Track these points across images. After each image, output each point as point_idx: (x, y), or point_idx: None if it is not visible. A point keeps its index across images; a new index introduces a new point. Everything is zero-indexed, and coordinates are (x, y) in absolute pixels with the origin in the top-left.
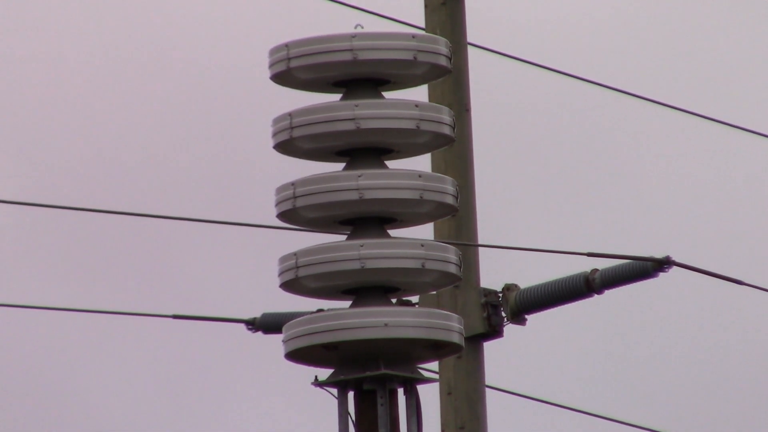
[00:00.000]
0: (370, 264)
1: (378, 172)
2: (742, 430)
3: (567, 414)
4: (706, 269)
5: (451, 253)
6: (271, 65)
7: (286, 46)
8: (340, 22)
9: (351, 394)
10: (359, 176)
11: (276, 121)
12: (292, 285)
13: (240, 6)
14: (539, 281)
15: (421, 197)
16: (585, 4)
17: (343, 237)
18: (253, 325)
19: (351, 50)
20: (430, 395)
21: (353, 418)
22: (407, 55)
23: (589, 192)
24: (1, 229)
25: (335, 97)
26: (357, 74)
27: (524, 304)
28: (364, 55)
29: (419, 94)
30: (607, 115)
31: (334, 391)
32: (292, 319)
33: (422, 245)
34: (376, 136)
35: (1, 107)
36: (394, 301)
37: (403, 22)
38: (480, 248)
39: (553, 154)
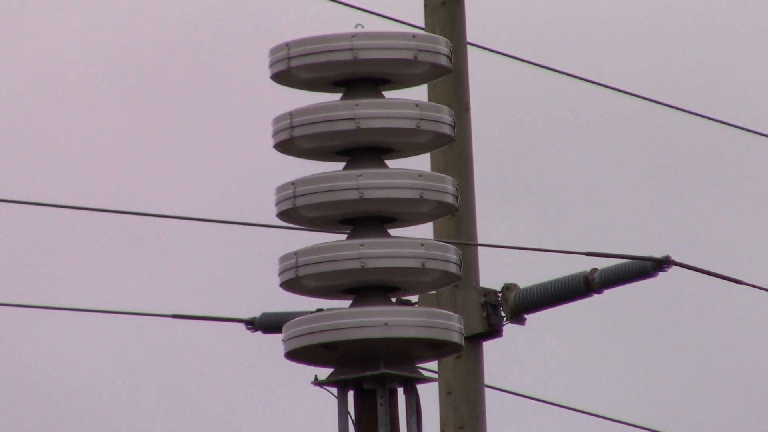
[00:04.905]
0: (370, 263)
1: (378, 172)
2: (742, 430)
3: (567, 414)
4: (706, 269)
5: (452, 253)
6: (271, 65)
7: (287, 45)
8: (340, 22)
9: (351, 394)
10: (359, 176)
11: (276, 120)
12: (292, 284)
13: (240, 6)
14: (539, 281)
15: (421, 197)
16: (585, 4)
17: (344, 236)
18: (253, 324)
19: (351, 50)
20: (429, 395)
21: (353, 417)
22: (407, 55)
23: (589, 192)
24: (1, 228)
25: (335, 97)
26: (357, 74)
27: (523, 303)
28: (364, 55)
29: (419, 93)
30: (606, 114)
31: (334, 390)
32: (291, 318)
33: (422, 245)
34: (376, 136)
35: (0, 106)
36: (394, 300)
37: (403, 21)
38: (480, 248)
39: (553, 154)
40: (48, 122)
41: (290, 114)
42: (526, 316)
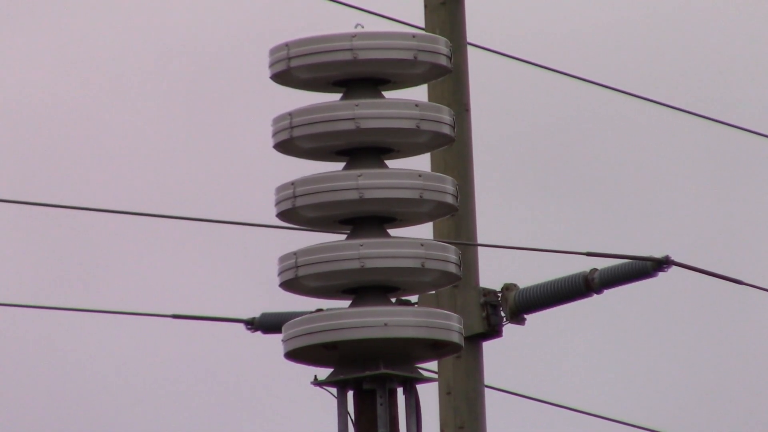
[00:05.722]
0: (370, 263)
1: (378, 172)
2: (742, 430)
3: (567, 414)
4: (706, 269)
5: (451, 253)
6: (271, 65)
7: (286, 45)
8: (340, 22)
9: (350, 394)
10: (359, 176)
11: (276, 120)
12: (291, 284)
13: (240, 6)
14: (538, 281)
15: (421, 197)
16: (585, 4)
17: (343, 236)
18: (253, 324)
19: (351, 50)
20: (429, 395)
21: (353, 417)
22: (407, 55)
23: (589, 192)
24: (1, 228)
25: (335, 97)
26: (357, 74)
27: (523, 303)
28: (364, 55)
29: (419, 93)
30: (607, 115)
31: (334, 390)
32: (291, 318)
33: (422, 245)
34: (376, 136)
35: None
36: (393, 300)
37: (403, 22)
38: (479, 248)
39: (553, 154)
40: (49, 121)
41: (290, 114)
42: (526, 316)
